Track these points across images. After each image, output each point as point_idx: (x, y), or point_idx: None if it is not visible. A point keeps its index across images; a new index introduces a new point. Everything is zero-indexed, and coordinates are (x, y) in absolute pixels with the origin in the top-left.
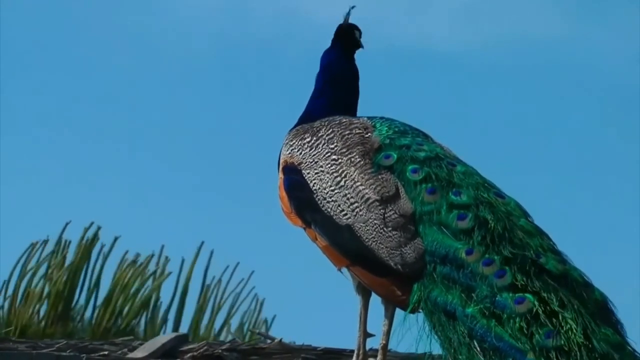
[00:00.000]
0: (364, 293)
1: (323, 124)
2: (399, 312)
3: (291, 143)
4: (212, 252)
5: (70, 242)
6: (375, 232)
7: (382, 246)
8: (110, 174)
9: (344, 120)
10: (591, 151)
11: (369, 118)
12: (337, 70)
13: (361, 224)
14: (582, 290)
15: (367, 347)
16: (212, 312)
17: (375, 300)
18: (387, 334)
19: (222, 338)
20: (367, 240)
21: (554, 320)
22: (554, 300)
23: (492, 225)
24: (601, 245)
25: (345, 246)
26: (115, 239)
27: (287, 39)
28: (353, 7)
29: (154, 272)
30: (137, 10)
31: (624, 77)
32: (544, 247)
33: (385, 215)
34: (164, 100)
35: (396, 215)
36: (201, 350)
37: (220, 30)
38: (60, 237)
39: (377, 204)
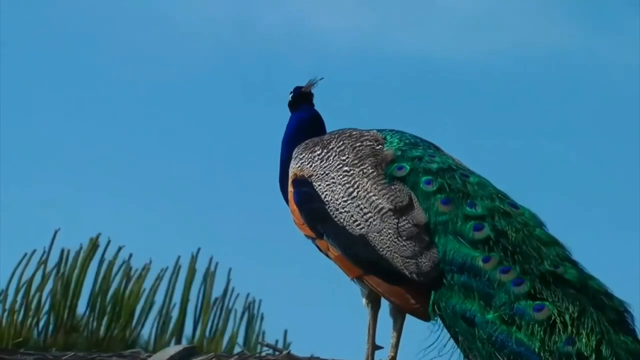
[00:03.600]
0: (373, 305)
1: (333, 136)
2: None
3: (301, 156)
4: (211, 259)
5: (68, 251)
6: (389, 242)
7: (397, 255)
8: (107, 182)
9: (354, 132)
10: (597, 160)
11: (378, 130)
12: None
13: (375, 234)
14: (601, 299)
15: None
16: (212, 319)
17: (384, 312)
18: (396, 346)
19: (223, 345)
20: (381, 249)
21: (572, 328)
22: (571, 309)
23: (509, 235)
24: (607, 266)
25: (358, 256)
26: (119, 248)
27: (292, 48)
28: (321, 79)
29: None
30: (142, 22)
31: (631, 88)
32: (560, 256)
33: (399, 224)
34: (168, 108)
35: (410, 225)
36: None
37: (225, 40)
38: (51, 246)
39: (391, 213)
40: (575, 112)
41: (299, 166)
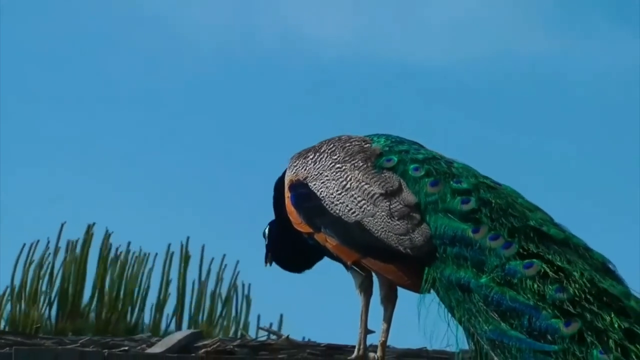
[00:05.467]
0: (366, 292)
1: (323, 143)
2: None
3: (295, 164)
4: (203, 247)
5: (74, 242)
6: (383, 223)
7: (391, 234)
8: (106, 176)
9: (343, 136)
10: (573, 164)
11: (365, 136)
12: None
13: (369, 218)
14: (584, 252)
15: (368, 343)
16: (207, 304)
17: (375, 299)
18: (386, 331)
19: (217, 330)
20: (376, 232)
21: (562, 275)
22: (559, 259)
23: (494, 203)
24: None
25: (356, 241)
26: (108, 234)
27: (290, 54)
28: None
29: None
30: (146, 27)
31: (604, 91)
32: (544, 219)
33: (391, 207)
34: (170, 110)
35: (401, 206)
36: (214, 345)
37: (226, 46)
38: (58, 237)
39: (382, 197)
40: (554, 113)
41: (294, 172)
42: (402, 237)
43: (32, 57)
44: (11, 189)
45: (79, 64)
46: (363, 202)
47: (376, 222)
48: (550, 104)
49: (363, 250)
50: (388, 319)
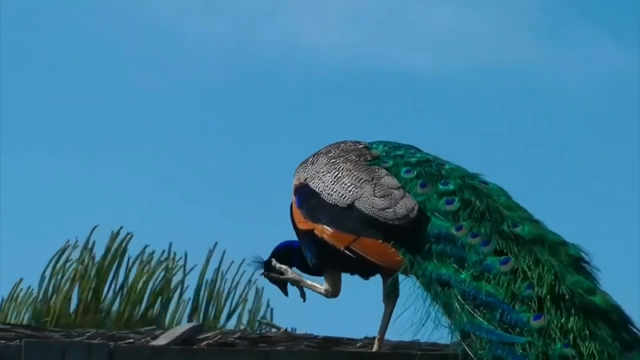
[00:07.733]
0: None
1: (321, 148)
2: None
3: (297, 172)
4: (224, 252)
5: (94, 243)
6: (368, 202)
7: (376, 209)
8: (129, 183)
9: (340, 141)
10: (557, 169)
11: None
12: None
13: (357, 200)
14: (557, 248)
15: (363, 336)
16: (220, 302)
17: (378, 299)
18: (384, 328)
19: (228, 326)
20: (365, 210)
21: (531, 274)
22: (529, 259)
23: (475, 204)
24: None
25: (348, 224)
26: (130, 236)
27: (289, 61)
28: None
29: (167, 268)
30: (154, 38)
31: (587, 98)
32: (521, 217)
33: (375, 188)
34: (179, 115)
35: (385, 187)
36: (215, 338)
37: (229, 53)
38: (87, 240)
39: (367, 182)
40: (540, 118)
41: (297, 178)
42: (386, 211)
43: (35, 61)
44: (46, 191)
45: (87, 70)
46: (352, 186)
47: (363, 201)
48: (536, 110)
49: (355, 231)
50: (388, 316)
